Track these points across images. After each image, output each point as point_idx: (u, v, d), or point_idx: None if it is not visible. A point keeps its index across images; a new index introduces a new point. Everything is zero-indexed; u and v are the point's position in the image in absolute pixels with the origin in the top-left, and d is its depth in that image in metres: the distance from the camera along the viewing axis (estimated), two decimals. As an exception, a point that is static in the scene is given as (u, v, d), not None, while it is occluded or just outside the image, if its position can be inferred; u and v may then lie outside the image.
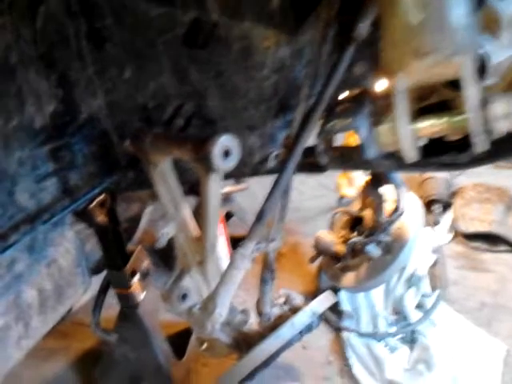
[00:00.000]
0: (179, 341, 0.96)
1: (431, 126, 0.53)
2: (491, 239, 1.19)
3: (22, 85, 0.54)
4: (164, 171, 0.63)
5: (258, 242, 0.72)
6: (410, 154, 0.54)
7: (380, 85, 0.63)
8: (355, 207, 1.10)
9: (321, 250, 1.07)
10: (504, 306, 1.04)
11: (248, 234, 0.64)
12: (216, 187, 0.58)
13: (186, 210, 0.67)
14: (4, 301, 0.58)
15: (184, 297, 0.71)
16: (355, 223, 1.08)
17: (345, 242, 1.05)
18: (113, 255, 0.82)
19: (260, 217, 0.62)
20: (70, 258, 0.69)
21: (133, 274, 0.86)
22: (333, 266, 1.06)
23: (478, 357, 0.94)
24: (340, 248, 1.05)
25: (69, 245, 0.68)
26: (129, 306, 0.87)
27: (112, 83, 0.61)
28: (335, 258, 1.06)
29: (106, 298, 0.87)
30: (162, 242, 0.95)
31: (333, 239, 1.07)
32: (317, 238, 1.07)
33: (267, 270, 0.82)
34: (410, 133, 0.53)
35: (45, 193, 0.61)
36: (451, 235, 1.24)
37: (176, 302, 0.71)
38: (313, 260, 1.08)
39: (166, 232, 0.94)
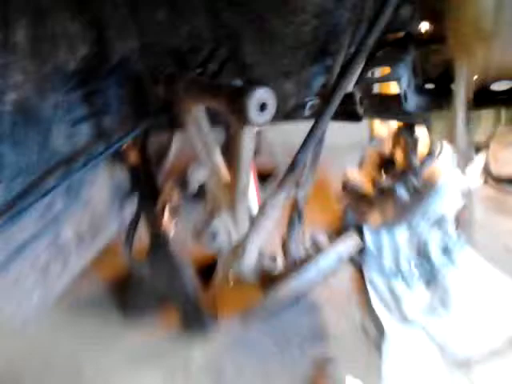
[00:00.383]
0: (206, 273, 1.01)
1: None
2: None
3: (54, 28, 0.53)
4: (197, 117, 0.63)
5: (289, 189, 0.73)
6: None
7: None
8: (386, 148, 1.08)
9: (349, 189, 1.08)
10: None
11: (279, 183, 0.64)
12: (249, 139, 0.58)
13: (218, 155, 0.68)
14: (44, 241, 0.61)
15: (214, 236, 0.73)
16: (385, 164, 1.07)
17: (373, 182, 1.05)
18: (144, 192, 0.83)
19: (293, 167, 0.62)
20: (103, 198, 0.71)
21: (163, 209, 0.89)
22: (360, 204, 1.06)
23: (496, 301, 0.96)
24: (368, 188, 1.05)
25: (103, 185, 0.69)
26: (159, 239, 0.91)
27: (145, 25, 0.59)
28: (363, 197, 1.06)
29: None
30: (193, 188, 0.96)
31: (362, 179, 1.07)
32: (345, 176, 1.06)
33: (295, 214, 0.83)
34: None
35: (80, 137, 0.61)
36: (482, 179, 1.22)
37: (206, 240, 0.73)
38: (341, 199, 1.09)
39: (197, 178, 0.95)
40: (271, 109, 0.52)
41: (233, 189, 0.68)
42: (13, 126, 0.55)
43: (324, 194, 1.22)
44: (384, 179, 1.02)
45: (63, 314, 0.87)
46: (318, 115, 0.58)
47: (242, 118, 0.52)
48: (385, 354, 0.88)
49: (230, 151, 0.67)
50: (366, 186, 1.05)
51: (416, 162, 0.96)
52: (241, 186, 0.65)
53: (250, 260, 0.70)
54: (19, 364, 0.83)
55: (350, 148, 1.36)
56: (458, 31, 0.47)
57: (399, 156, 1.01)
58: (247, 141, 0.57)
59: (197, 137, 0.65)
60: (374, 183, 1.03)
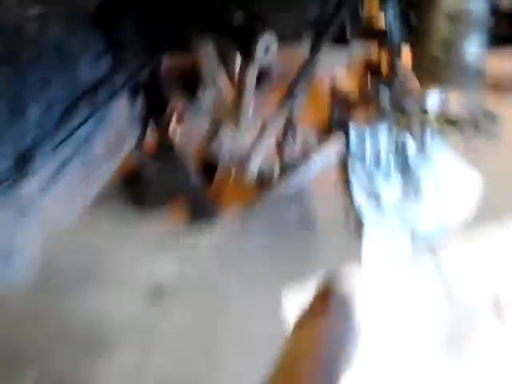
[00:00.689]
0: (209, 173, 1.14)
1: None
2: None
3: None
4: (208, 51, 0.72)
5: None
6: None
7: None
8: (373, 52, 1.15)
9: (336, 91, 1.17)
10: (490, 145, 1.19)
11: (277, 106, 0.76)
12: (253, 73, 0.68)
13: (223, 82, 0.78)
14: (78, 160, 0.72)
15: (219, 145, 0.87)
16: (371, 68, 1.14)
17: (360, 85, 1.14)
18: (154, 104, 0.93)
19: (290, 93, 0.73)
20: (125, 116, 0.81)
21: (171, 116, 0.99)
22: (346, 106, 1.17)
23: (460, 190, 1.13)
24: (355, 90, 1.14)
25: (122, 107, 0.79)
26: (166, 142, 1.02)
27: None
28: (349, 99, 1.16)
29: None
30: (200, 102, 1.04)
31: (349, 81, 1.15)
32: (333, 78, 1.14)
33: (289, 123, 0.95)
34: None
35: (103, 69, 0.70)
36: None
37: (213, 148, 0.87)
38: (329, 101, 1.18)
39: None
40: (273, 51, 0.62)
41: (236, 109, 0.79)
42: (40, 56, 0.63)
43: (314, 95, 1.30)
44: (370, 83, 1.10)
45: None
46: (313, 43, 0.68)
47: (251, 58, 0.62)
48: (365, 237, 1.07)
49: (239, 78, 0.76)
50: (353, 89, 1.14)
51: (399, 67, 1.04)
52: (244, 106, 0.77)
53: (254, 167, 0.84)
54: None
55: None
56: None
57: (384, 61, 1.09)
58: (251, 74, 0.67)
59: (206, 67, 0.75)
60: (361, 86, 1.12)
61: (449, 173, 1.14)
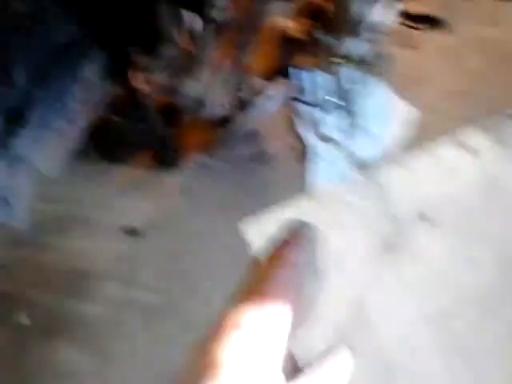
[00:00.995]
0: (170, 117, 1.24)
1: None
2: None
3: None
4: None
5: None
6: None
7: None
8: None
9: (282, 36, 1.27)
10: (420, 76, 1.34)
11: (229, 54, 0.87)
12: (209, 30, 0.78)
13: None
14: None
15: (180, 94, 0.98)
16: (317, 13, 1.24)
17: (305, 29, 1.23)
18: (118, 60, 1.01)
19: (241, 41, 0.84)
20: (93, 75, 0.91)
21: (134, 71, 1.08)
22: (292, 50, 1.27)
23: (395, 119, 1.28)
24: (300, 35, 1.24)
25: (92, 65, 0.88)
26: (132, 96, 1.11)
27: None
28: (295, 44, 1.26)
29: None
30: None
31: (294, 26, 1.25)
32: (279, 24, 1.24)
33: (240, 69, 1.06)
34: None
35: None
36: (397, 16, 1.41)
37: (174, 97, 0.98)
38: (275, 46, 1.28)
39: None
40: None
41: (194, 59, 0.90)
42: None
43: (263, 43, 1.40)
44: (315, 27, 1.20)
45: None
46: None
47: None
48: (310, 163, 1.22)
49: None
50: (298, 34, 1.24)
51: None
52: (201, 57, 0.88)
53: (210, 110, 0.96)
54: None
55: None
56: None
57: (329, 5, 1.19)
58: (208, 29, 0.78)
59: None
60: (306, 31, 1.22)
61: (383, 105, 1.29)
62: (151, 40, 1.01)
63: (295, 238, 0.39)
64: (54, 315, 1.05)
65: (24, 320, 1.03)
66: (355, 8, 1.09)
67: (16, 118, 0.71)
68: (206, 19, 0.87)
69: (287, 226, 0.39)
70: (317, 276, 0.39)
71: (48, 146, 0.82)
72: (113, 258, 1.11)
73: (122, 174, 1.19)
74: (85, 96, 0.89)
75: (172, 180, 1.19)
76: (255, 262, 0.37)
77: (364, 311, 1.02)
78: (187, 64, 1.03)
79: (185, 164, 1.20)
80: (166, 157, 1.19)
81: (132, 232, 1.13)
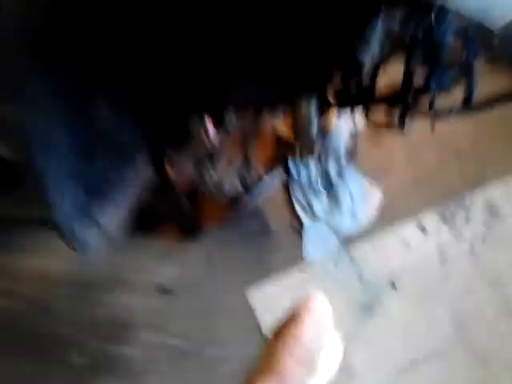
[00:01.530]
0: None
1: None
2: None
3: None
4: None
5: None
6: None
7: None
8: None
9: (278, 137, 1.65)
10: (386, 168, 1.72)
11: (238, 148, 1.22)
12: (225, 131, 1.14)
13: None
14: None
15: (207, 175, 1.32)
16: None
17: (293, 131, 1.62)
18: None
19: (246, 139, 1.20)
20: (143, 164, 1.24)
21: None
22: (286, 146, 1.65)
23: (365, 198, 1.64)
24: (290, 135, 1.62)
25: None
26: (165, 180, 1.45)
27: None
28: (286, 142, 1.64)
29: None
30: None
31: (286, 128, 1.64)
32: (275, 131, 1.63)
33: (248, 159, 1.42)
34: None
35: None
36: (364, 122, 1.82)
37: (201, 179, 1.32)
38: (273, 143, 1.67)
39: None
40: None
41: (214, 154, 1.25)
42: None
43: (263, 140, 1.79)
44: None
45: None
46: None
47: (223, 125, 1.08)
48: (304, 239, 1.56)
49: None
50: (289, 134, 1.62)
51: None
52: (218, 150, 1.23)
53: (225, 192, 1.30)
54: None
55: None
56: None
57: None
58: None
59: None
60: (297, 132, 1.61)
61: (357, 188, 1.66)
62: (184, 140, 1.37)
63: (302, 312, 0.42)
64: (100, 356, 1.32)
65: (76, 359, 1.30)
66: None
67: (95, 192, 1.01)
68: (221, 129, 1.23)
69: (294, 300, 0.44)
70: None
71: (116, 216, 1.14)
72: (148, 311, 1.39)
73: (155, 243, 1.50)
74: (137, 179, 1.22)
75: (195, 248, 1.51)
76: (266, 341, 0.42)
77: (349, 362, 1.30)
78: (208, 158, 1.39)
79: (204, 235, 1.52)
80: (189, 230, 1.52)
81: (163, 290, 1.43)
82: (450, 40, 1.04)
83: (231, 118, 1.24)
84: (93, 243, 1.07)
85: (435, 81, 1.06)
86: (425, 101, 1.09)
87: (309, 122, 1.42)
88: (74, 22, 0.74)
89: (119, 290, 1.41)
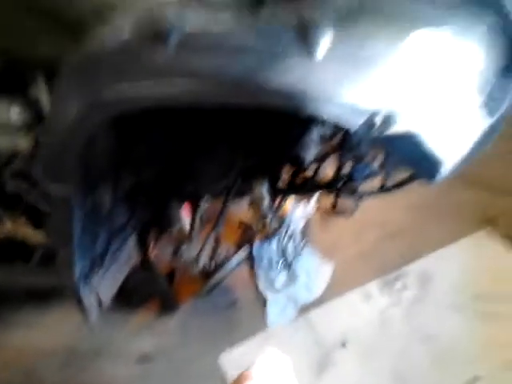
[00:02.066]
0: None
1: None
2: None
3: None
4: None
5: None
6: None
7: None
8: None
9: (241, 222, 1.95)
10: (335, 245, 2.02)
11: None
12: (200, 214, 1.43)
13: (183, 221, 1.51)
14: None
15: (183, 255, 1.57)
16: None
17: (255, 217, 1.93)
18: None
19: (216, 221, 1.48)
20: (132, 247, 1.50)
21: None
22: (250, 230, 1.95)
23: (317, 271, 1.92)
24: (252, 221, 1.93)
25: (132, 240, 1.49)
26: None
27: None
28: (251, 226, 1.95)
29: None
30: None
31: (250, 215, 1.94)
32: (239, 218, 1.93)
33: (217, 239, 1.69)
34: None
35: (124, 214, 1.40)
36: (315, 208, 2.16)
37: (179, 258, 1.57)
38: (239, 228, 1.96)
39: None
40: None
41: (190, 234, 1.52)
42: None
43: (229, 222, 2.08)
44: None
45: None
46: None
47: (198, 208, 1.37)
48: (267, 309, 1.80)
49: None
50: (251, 220, 1.92)
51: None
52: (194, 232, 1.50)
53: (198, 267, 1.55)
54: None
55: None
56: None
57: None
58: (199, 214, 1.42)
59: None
60: (256, 217, 1.92)
61: (311, 263, 1.94)
62: (165, 225, 1.64)
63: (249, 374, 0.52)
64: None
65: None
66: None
67: (97, 265, 1.24)
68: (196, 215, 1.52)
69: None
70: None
71: (110, 288, 1.36)
72: (129, 377, 1.57)
73: (135, 315, 1.71)
74: (130, 257, 1.47)
75: (171, 320, 1.73)
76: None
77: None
78: (185, 239, 1.66)
79: (180, 309, 1.75)
80: (167, 304, 1.74)
81: (143, 359, 1.62)
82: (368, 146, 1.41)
83: (204, 205, 1.54)
84: (93, 311, 1.29)
85: (358, 172, 1.40)
86: (351, 186, 1.41)
87: (266, 208, 1.73)
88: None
89: (103, 359, 1.58)
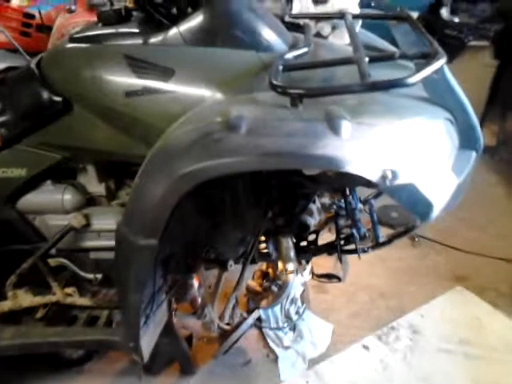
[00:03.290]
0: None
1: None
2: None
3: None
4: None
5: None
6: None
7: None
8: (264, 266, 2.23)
9: (249, 290, 2.19)
10: (331, 307, 2.26)
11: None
12: (221, 279, 1.68)
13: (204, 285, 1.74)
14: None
15: (205, 317, 1.77)
16: (265, 274, 2.20)
17: (260, 285, 2.17)
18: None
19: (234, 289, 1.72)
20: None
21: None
22: (255, 297, 2.18)
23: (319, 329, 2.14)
24: (258, 288, 2.17)
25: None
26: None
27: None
28: (256, 293, 2.18)
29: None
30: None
31: (255, 283, 2.19)
32: (246, 285, 2.17)
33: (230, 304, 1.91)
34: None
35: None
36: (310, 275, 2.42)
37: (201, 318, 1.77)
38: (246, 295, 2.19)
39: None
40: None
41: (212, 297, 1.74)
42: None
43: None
44: (265, 283, 2.14)
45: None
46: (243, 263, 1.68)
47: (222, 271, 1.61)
48: (279, 365, 1.98)
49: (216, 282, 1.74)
50: (257, 288, 2.16)
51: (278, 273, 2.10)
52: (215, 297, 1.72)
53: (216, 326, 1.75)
54: None
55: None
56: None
57: (271, 270, 2.16)
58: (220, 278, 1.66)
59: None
60: (261, 285, 2.15)
61: (312, 323, 2.17)
62: (183, 293, 1.86)
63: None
64: None
65: None
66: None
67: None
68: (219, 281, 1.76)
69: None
70: None
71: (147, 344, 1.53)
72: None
73: (159, 378, 1.87)
74: (161, 319, 1.66)
75: (192, 380, 1.88)
76: None
77: None
78: (209, 302, 1.84)
79: (199, 369, 1.92)
80: (187, 365, 1.91)
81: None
82: (359, 211, 1.72)
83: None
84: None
85: (354, 235, 1.70)
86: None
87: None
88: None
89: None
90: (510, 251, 2.57)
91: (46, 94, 1.28)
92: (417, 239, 2.71)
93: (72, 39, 1.28)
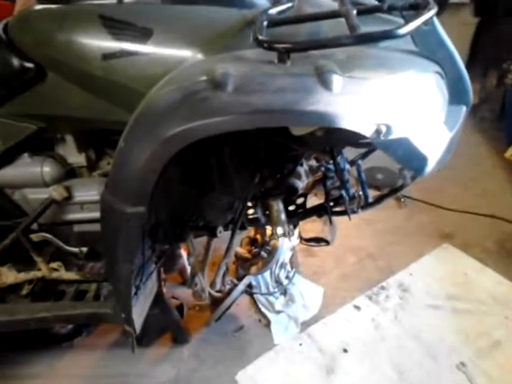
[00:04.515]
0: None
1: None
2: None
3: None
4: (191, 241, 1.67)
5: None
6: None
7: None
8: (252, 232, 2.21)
9: (238, 256, 2.17)
10: (321, 270, 2.27)
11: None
12: (210, 246, 1.65)
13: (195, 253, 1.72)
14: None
15: (196, 285, 1.75)
16: (254, 240, 2.19)
17: (249, 251, 2.16)
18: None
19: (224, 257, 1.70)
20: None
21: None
22: (244, 264, 2.16)
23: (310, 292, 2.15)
24: (247, 254, 2.16)
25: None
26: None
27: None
28: (245, 260, 2.16)
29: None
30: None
31: (243, 250, 2.17)
32: (235, 252, 2.15)
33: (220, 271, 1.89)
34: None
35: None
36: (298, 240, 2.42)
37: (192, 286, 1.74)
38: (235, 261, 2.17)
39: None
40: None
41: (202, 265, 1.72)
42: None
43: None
44: (254, 249, 2.12)
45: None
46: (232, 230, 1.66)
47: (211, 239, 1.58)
48: (272, 329, 1.99)
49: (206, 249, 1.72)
50: (246, 254, 2.14)
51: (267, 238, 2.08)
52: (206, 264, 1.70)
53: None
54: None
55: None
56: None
57: (259, 236, 2.14)
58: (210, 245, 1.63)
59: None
60: (250, 251, 2.14)
61: (303, 286, 2.17)
62: (172, 264, 1.83)
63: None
64: None
65: None
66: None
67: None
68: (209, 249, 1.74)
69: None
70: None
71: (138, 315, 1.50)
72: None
73: (152, 349, 1.86)
74: (151, 290, 1.64)
75: (185, 349, 1.88)
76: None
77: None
78: (199, 271, 1.82)
79: (192, 337, 1.91)
80: (179, 334, 1.90)
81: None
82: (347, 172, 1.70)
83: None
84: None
85: (343, 196, 1.68)
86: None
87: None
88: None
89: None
90: (494, 208, 2.60)
91: (15, 61, 1.20)
92: (403, 200, 2.71)
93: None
